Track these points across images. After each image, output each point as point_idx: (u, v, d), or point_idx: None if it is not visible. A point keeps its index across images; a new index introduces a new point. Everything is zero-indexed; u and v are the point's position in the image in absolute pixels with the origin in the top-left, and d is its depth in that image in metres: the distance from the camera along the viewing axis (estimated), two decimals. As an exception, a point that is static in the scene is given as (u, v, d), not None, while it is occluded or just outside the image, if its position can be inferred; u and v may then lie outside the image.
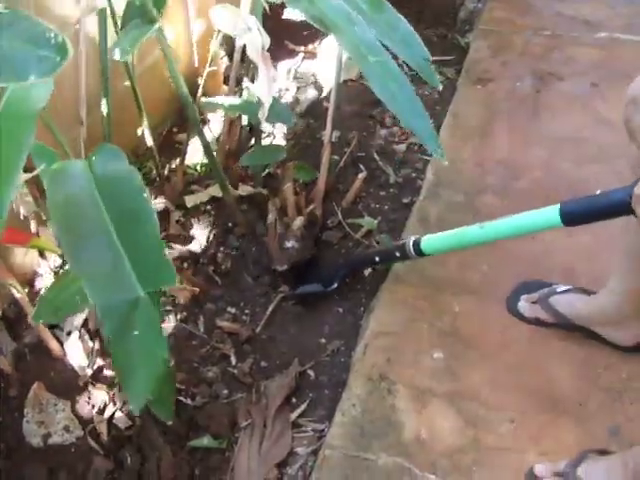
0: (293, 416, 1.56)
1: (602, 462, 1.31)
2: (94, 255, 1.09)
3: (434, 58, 2.43)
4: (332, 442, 1.43)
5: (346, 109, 2.27)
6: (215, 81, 2.32)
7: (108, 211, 1.11)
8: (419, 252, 1.58)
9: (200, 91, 1.99)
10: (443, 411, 1.47)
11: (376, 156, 2.22)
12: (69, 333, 1.68)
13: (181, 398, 1.58)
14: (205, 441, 1.52)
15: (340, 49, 2.09)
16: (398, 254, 1.63)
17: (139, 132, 1.95)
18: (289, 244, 1.82)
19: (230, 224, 1.99)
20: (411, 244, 1.58)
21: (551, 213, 1.29)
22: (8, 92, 1.05)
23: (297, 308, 1.79)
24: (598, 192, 1.23)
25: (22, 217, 1.52)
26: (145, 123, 1.90)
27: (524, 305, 1.61)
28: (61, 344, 1.65)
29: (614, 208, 1.20)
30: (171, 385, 1.10)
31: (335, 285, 1.79)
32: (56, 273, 1.79)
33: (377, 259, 1.72)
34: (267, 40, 1.53)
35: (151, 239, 1.09)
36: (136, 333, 1.04)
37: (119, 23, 1.59)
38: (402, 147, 2.26)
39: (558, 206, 1.27)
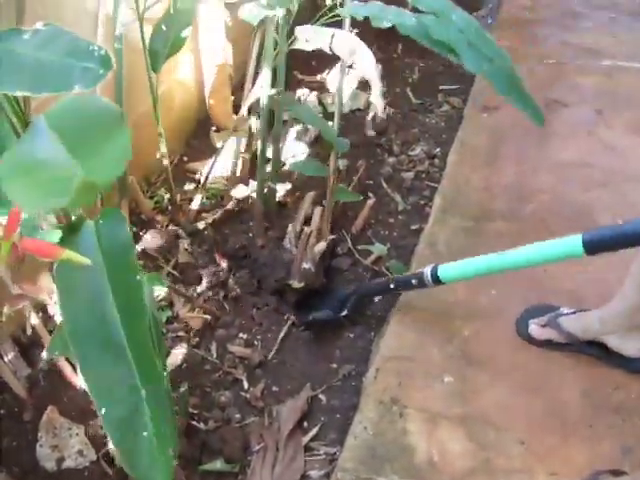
0: (305, 440, 1.57)
1: (613, 485, 1.32)
2: (99, 354, 1.03)
3: (440, 87, 2.50)
4: (344, 465, 1.44)
5: (354, 138, 2.30)
6: (225, 111, 2.36)
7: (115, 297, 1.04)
8: (437, 280, 1.58)
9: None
10: (454, 434, 1.48)
11: (384, 184, 2.25)
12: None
13: (194, 422, 1.60)
14: (218, 465, 1.53)
15: (342, 80, 2.13)
16: (415, 282, 1.63)
17: (157, 155, 1.97)
18: (307, 265, 1.84)
19: (251, 234, 2.03)
20: (429, 273, 1.59)
21: (573, 242, 1.31)
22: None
23: (308, 334, 1.81)
24: (620, 222, 1.25)
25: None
26: (163, 144, 1.92)
27: (534, 328, 1.62)
28: (75, 369, 1.66)
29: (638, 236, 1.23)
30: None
31: (345, 312, 1.80)
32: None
33: (392, 287, 1.71)
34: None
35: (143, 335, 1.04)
36: (145, 434, 0.98)
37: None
38: (410, 175, 2.28)
39: (580, 235, 1.29)
